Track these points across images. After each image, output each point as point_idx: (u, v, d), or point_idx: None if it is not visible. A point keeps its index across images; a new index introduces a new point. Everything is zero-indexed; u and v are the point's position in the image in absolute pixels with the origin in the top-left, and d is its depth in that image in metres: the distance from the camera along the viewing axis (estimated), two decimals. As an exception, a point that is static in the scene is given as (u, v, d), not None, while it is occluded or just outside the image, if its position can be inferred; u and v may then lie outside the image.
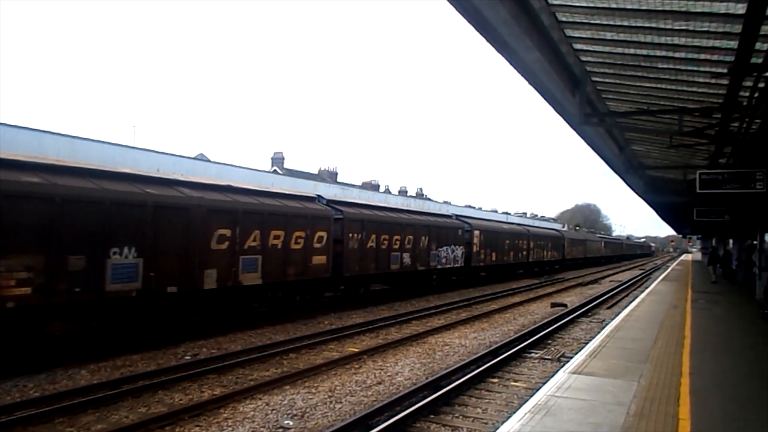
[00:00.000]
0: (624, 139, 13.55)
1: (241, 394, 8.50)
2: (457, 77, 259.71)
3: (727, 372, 8.35)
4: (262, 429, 7.21)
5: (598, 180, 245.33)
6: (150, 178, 12.43)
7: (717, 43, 6.54)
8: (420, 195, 47.21)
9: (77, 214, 10.06)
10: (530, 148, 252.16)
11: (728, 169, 11.60)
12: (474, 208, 52.58)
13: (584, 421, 5.86)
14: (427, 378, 9.68)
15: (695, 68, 7.61)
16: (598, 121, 10.18)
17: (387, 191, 43.39)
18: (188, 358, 10.90)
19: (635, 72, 8.26)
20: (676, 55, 7.16)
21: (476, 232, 28.11)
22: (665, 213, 33.93)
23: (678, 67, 7.65)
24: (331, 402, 8.36)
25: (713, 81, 7.81)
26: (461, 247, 26.23)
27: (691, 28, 6.23)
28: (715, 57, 6.95)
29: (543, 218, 79.08)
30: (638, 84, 8.92)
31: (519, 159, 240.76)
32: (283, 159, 35.11)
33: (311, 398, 8.50)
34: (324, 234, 16.60)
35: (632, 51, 7.34)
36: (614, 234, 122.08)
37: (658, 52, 7.23)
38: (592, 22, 6.59)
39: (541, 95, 8.58)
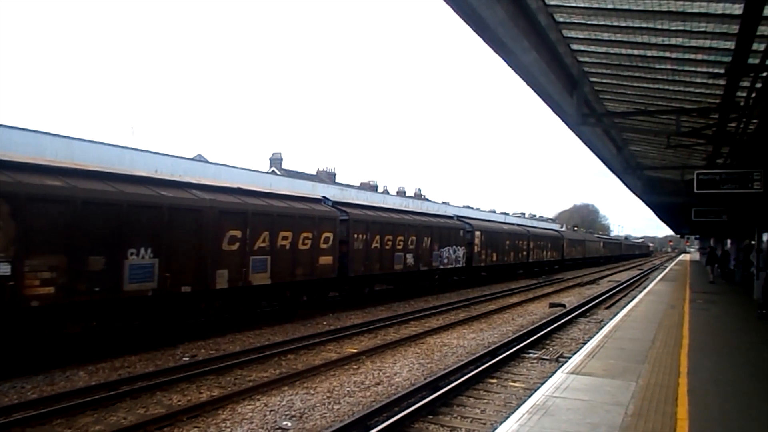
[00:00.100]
0: (622, 139, 13.57)
1: (239, 395, 8.49)
2: (454, 78, 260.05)
3: (725, 372, 8.36)
4: (260, 430, 7.21)
5: (596, 180, 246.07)
6: (165, 180, 12.77)
7: (714, 44, 6.56)
8: (418, 195, 47.24)
9: (96, 216, 10.38)
10: (528, 148, 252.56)
11: (726, 169, 11.61)
12: (472, 208, 52.62)
13: (582, 421, 5.86)
14: (425, 378, 9.68)
15: (692, 69, 7.63)
16: (595, 122, 10.19)
17: (385, 192, 43.39)
18: (186, 359, 10.89)
19: (633, 72, 8.27)
20: (674, 55, 7.18)
21: (477, 233, 28.34)
22: (663, 213, 33.96)
23: (675, 67, 7.67)
24: (329, 403, 8.35)
25: (710, 81, 7.82)
26: (463, 247, 26.48)
27: (688, 29, 6.25)
28: (712, 57, 6.97)
29: (541, 218, 79.14)
30: (636, 84, 8.93)
31: (517, 159, 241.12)
32: (282, 160, 35.13)
33: (310, 399, 8.50)
34: (330, 235, 16.88)
35: (630, 51, 7.36)
36: (612, 234, 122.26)
37: (655, 53, 7.24)
38: (590, 22, 6.60)
39: (539, 96, 8.59)
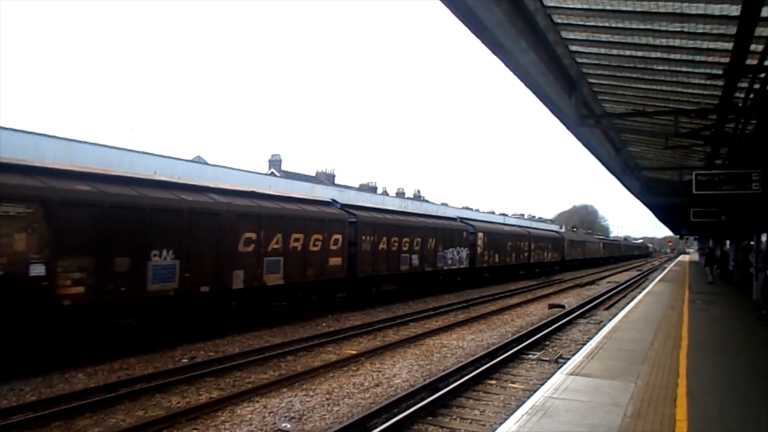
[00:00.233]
0: (620, 140, 13.59)
1: (238, 396, 8.48)
2: (453, 78, 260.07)
3: (724, 372, 8.36)
4: (259, 432, 7.20)
5: (595, 181, 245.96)
6: (184, 185, 13.30)
7: (712, 45, 6.57)
8: (417, 197, 47.25)
9: (123, 219, 10.89)
10: (527, 149, 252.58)
11: (724, 170, 11.64)
12: (471, 209, 52.60)
13: (581, 422, 5.86)
14: (424, 380, 9.67)
15: (691, 70, 7.65)
16: (594, 123, 10.20)
17: (384, 193, 43.39)
18: (185, 360, 10.88)
19: (631, 74, 8.29)
20: (672, 56, 7.19)
21: (480, 234, 28.68)
22: (662, 214, 34.00)
23: (674, 68, 7.68)
24: (328, 404, 8.34)
25: (709, 82, 7.84)
26: (466, 248, 26.93)
27: (686, 30, 6.26)
28: (710, 58, 6.98)
29: (540, 219, 79.16)
30: (634, 85, 8.95)
31: (516, 160, 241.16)
32: (281, 161, 35.10)
33: (309, 401, 8.49)
34: (339, 236, 17.38)
35: (628, 53, 7.37)
36: (612, 235, 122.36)
37: (653, 54, 7.25)
38: (588, 24, 6.61)
39: (537, 97, 8.60)
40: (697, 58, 7.06)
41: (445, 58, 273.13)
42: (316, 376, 9.94)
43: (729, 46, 6.08)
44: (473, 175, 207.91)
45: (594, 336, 11.82)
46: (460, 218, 29.34)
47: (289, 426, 7.41)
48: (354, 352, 11.79)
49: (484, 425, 7.51)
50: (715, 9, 5.61)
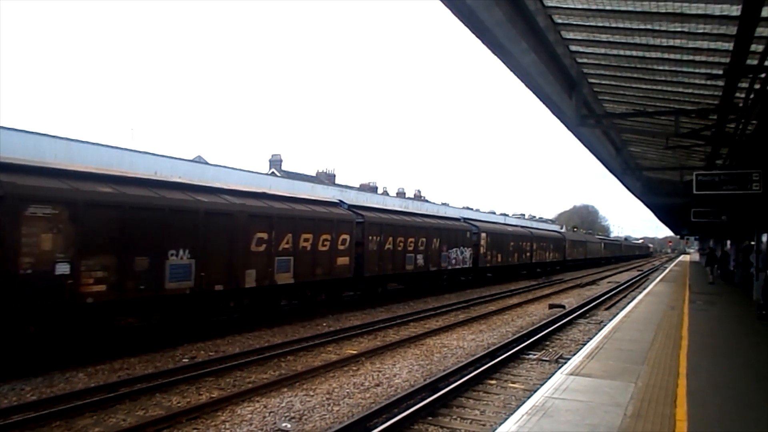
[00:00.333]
0: (621, 140, 13.58)
1: (239, 396, 8.48)
2: (453, 79, 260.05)
3: (725, 373, 8.36)
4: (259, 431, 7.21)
5: (596, 181, 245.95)
6: (199, 187, 13.72)
7: (713, 45, 6.57)
8: (418, 197, 47.23)
9: (142, 220, 11.26)
10: (528, 149, 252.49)
11: (725, 170, 11.63)
12: (472, 209, 52.59)
13: (581, 422, 5.86)
14: (425, 380, 9.68)
15: (691, 70, 7.64)
16: (594, 123, 10.19)
17: (385, 193, 43.38)
18: (186, 360, 10.89)
19: (631, 74, 8.28)
20: (672, 56, 7.19)
21: (483, 235, 28.92)
22: (663, 214, 33.98)
23: (674, 68, 7.67)
24: (329, 404, 8.35)
25: (709, 82, 7.83)
26: (470, 248, 27.18)
27: (686, 30, 6.25)
28: (710, 59, 6.98)
29: (541, 219, 79.12)
30: (635, 86, 8.94)
31: (516, 160, 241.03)
32: (281, 161, 35.09)
33: (309, 401, 8.50)
34: (347, 237, 17.75)
35: (628, 53, 7.36)
36: (612, 235, 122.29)
37: (654, 54, 7.25)
38: (588, 24, 6.60)
39: (538, 97, 8.60)
40: (698, 58, 7.05)
41: (445, 58, 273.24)
42: (316, 375, 9.95)
43: (729, 46, 6.08)
44: (473, 175, 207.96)
45: (594, 336, 11.82)
46: (464, 218, 29.63)
47: (289, 426, 7.42)
48: (354, 352, 11.80)
49: (484, 425, 7.51)
50: (716, 9, 5.60)
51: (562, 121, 9.96)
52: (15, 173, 9.74)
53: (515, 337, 13.74)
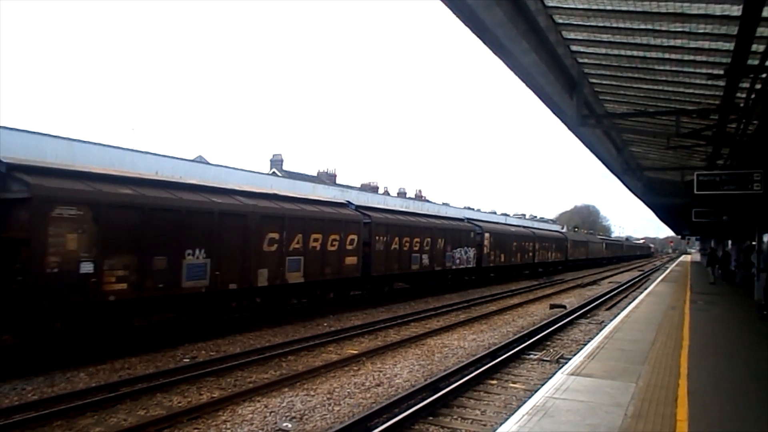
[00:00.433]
0: (622, 140, 13.57)
1: (239, 396, 8.49)
2: (454, 79, 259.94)
3: (725, 373, 8.35)
4: (260, 431, 7.21)
5: (597, 181, 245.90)
6: (214, 188, 14.05)
7: (714, 45, 6.56)
8: (419, 197, 47.23)
9: (161, 221, 11.63)
10: (529, 149, 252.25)
11: (726, 170, 11.61)
12: (473, 209, 52.59)
13: (582, 422, 5.86)
14: (425, 380, 9.68)
15: (692, 70, 7.63)
16: (595, 123, 10.19)
17: (386, 193, 43.37)
18: (187, 360, 10.90)
19: (632, 74, 8.28)
20: (673, 56, 7.18)
21: (487, 235, 29.19)
22: (664, 214, 33.96)
23: (675, 68, 7.67)
24: (329, 404, 8.35)
25: (710, 82, 7.82)
26: (473, 248, 27.47)
27: (687, 30, 6.25)
28: (711, 58, 6.97)
29: (542, 219, 79.10)
30: (635, 86, 8.94)
31: (517, 160, 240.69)
32: (282, 161, 35.11)
33: (310, 400, 8.50)
34: (355, 237, 18.13)
35: (629, 53, 7.36)
36: (613, 235, 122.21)
37: (654, 54, 7.24)
38: (589, 24, 6.60)
39: (539, 97, 8.60)
40: (699, 58, 7.05)
41: (445, 58, 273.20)
42: (317, 375, 9.95)
43: (730, 46, 6.08)
44: (474, 174, 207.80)
45: (595, 336, 11.82)
46: (467, 219, 29.89)
47: (290, 426, 7.42)
48: (355, 351, 11.80)
49: (484, 425, 7.51)
50: (717, 9, 5.60)
51: (563, 121, 9.96)
52: (41, 175, 10.07)
53: (516, 337, 13.75)
